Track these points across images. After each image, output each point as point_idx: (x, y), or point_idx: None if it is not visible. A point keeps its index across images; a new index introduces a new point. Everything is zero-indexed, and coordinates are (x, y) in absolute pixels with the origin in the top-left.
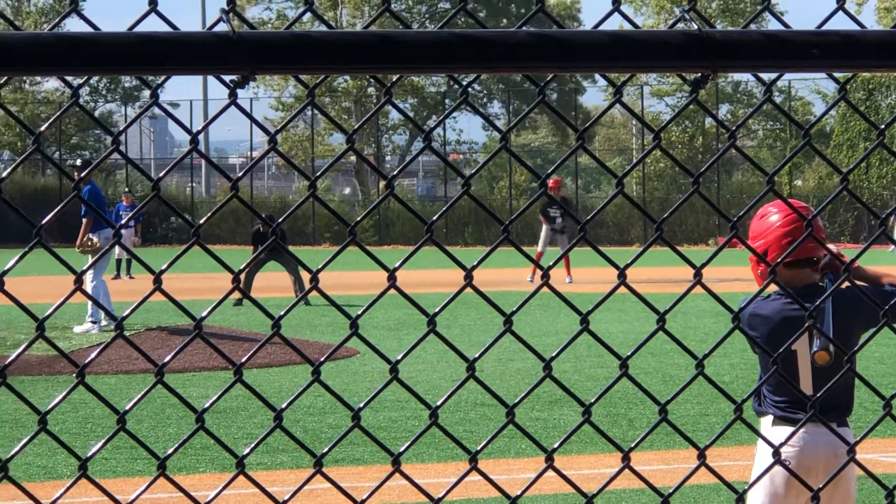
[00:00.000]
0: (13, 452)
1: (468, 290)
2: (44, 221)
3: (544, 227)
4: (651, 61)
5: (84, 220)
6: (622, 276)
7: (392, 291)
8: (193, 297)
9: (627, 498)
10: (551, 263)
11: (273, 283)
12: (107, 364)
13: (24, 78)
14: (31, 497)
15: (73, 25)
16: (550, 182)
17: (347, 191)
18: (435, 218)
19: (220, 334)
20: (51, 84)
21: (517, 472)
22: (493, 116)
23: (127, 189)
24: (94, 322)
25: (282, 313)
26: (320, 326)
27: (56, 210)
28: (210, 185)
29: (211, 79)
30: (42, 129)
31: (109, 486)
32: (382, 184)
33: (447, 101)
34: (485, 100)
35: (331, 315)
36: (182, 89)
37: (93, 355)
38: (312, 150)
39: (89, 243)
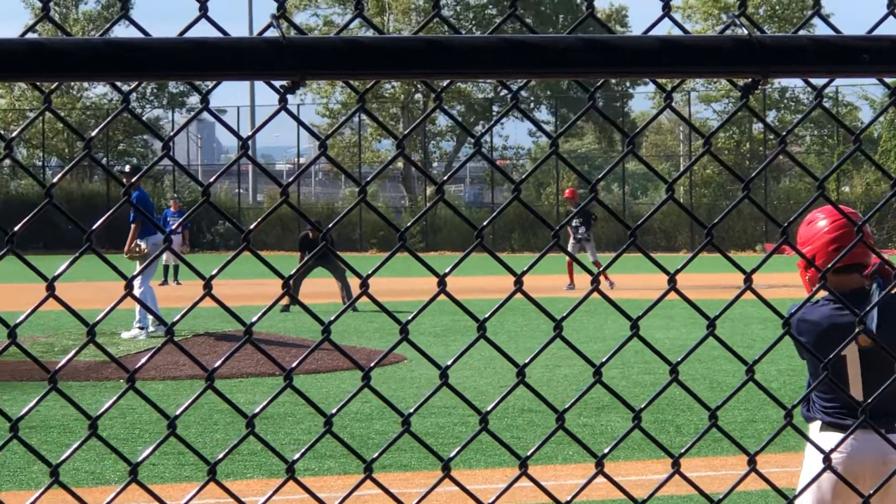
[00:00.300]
0: (64, 457)
1: (515, 296)
2: (94, 227)
3: (570, 239)
4: (701, 66)
5: (132, 226)
6: (672, 281)
7: (439, 297)
8: (241, 304)
9: None
10: (600, 269)
11: (320, 289)
12: (154, 370)
13: (72, 84)
14: (81, 502)
15: (121, 32)
16: (566, 192)
17: (394, 196)
18: (485, 223)
19: (267, 340)
20: (98, 90)
21: (564, 478)
22: (540, 123)
23: (175, 195)
24: (141, 328)
25: (331, 319)
26: (367, 332)
27: (106, 216)
28: (257, 191)
29: (258, 84)
30: (93, 134)
31: (157, 492)
32: (430, 190)
33: (494, 107)
34: (532, 106)
35: (378, 321)
36: (229, 95)
37: (143, 360)
38: (360, 156)
39: (137, 249)
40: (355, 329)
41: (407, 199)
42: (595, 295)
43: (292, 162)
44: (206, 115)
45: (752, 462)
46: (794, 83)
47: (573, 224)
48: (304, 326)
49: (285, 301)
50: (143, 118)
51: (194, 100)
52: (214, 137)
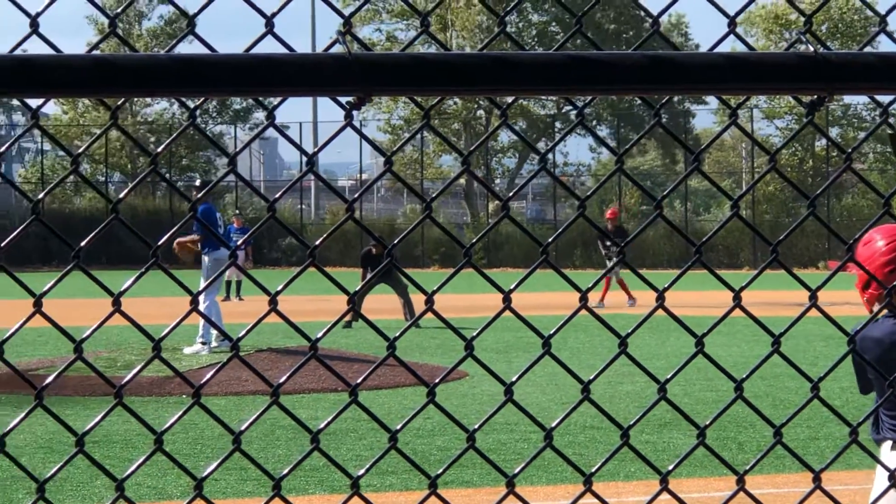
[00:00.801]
0: (129, 471)
1: (579, 313)
2: (160, 242)
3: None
4: (766, 83)
5: (196, 237)
6: (737, 298)
7: (502, 314)
8: (303, 319)
9: None
10: (666, 286)
11: (382, 305)
12: (217, 385)
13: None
14: None
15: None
16: (609, 212)
17: (456, 213)
18: (550, 240)
19: (329, 356)
20: (157, 106)
21: (626, 494)
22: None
23: (237, 211)
24: (203, 343)
25: (396, 335)
26: (430, 349)
27: (172, 230)
28: (319, 207)
29: (320, 101)
30: (159, 150)
31: None
32: (492, 206)
33: (556, 123)
34: (594, 123)
35: (440, 337)
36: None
37: (208, 375)
38: (422, 172)
39: (188, 246)
40: (417, 345)
41: (468, 216)
42: (659, 312)
43: (354, 178)
44: (269, 131)
45: (816, 479)
46: (857, 100)
47: (607, 242)
48: (366, 342)
49: (348, 317)
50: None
51: (257, 116)
52: (277, 153)
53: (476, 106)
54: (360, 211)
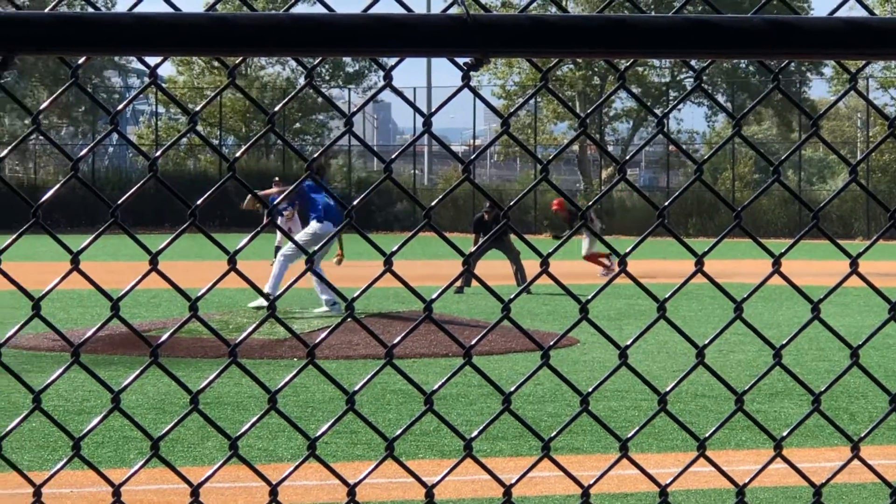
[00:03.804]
0: (241, 431)
1: (691, 281)
2: (276, 202)
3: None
4: (887, 48)
5: (286, 211)
6: (854, 265)
7: (614, 281)
8: (415, 284)
9: (849, 492)
10: (782, 251)
11: (494, 271)
12: (328, 349)
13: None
14: (261, 476)
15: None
16: (554, 203)
17: (569, 180)
18: (667, 203)
19: (441, 321)
20: (272, 69)
21: (737, 463)
22: (716, 108)
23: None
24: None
25: (510, 298)
26: (541, 315)
27: (287, 192)
28: (431, 172)
29: (435, 65)
30: (275, 109)
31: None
32: (605, 173)
33: (671, 91)
34: (711, 90)
35: (551, 304)
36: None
37: (322, 336)
38: (535, 138)
39: (257, 205)
40: (528, 311)
41: (582, 183)
42: (774, 280)
43: (468, 144)
44: (382, 96)
45: None
46: None
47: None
48: (478, 308)
49: (459, 283)
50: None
51: (371, 79)
52: (391, 119)
53: (591, 73)
54: (473, 176)
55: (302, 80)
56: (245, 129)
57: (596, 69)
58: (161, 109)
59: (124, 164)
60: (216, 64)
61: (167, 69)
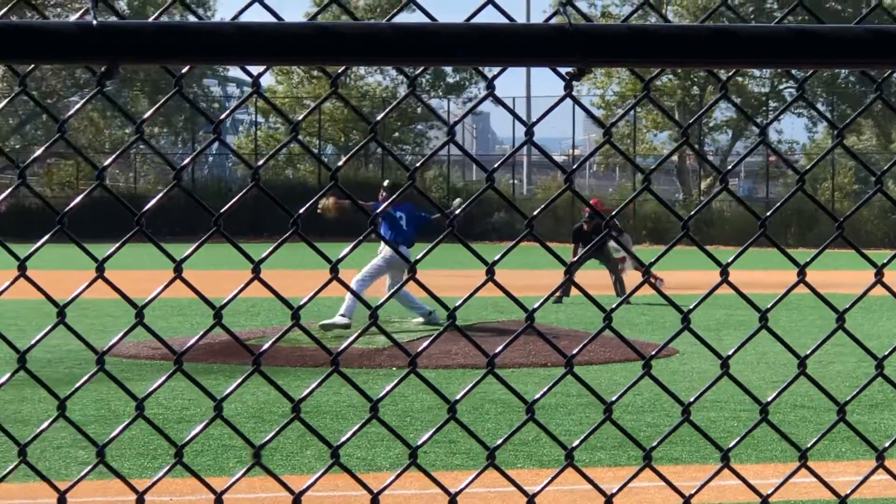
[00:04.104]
0: (341, 441)
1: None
2: (377, 211)
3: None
4: None
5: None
6: None
7: (716, 291)
8: (514, 294)
9: None
10: (883, 262)
11: (593, 281)
12: (426, 359)
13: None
14: (362, 484)
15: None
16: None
17: (668, 190)
18: (769, 213)
19: (539, 331)
20: (372, 78)
21: (837, 474)
22: (816, 118)
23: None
24: (430, 313)
25: (612, 307)
26: (640, 325)
27: (388, 202)
28: (531, 182)
29: (535, 75)
30: (378, 118)
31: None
32: (705, 184)
33: (771, 102)
34: (809, 99)
35: (650, 314)
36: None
37: (424, 345)
38: (634, 147)
39: (337, 207)
40: (628, 321)
41: (681, 193)
42: (875, 291)
43: (567, 153)
44: (481, 107)
45: None
46: None
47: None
48: (576, 318)
49: (558, 293)
50: (418, 108)
51: (471, 90)
52: (489, 129)
53: (690, 83)
54: (573, 186)
55: (402, 90)
56: (344, 139)
57: (695, 79)
58: (260, 119)
59: (224, 174)
60: (315, 73)
61: (266, 79)
